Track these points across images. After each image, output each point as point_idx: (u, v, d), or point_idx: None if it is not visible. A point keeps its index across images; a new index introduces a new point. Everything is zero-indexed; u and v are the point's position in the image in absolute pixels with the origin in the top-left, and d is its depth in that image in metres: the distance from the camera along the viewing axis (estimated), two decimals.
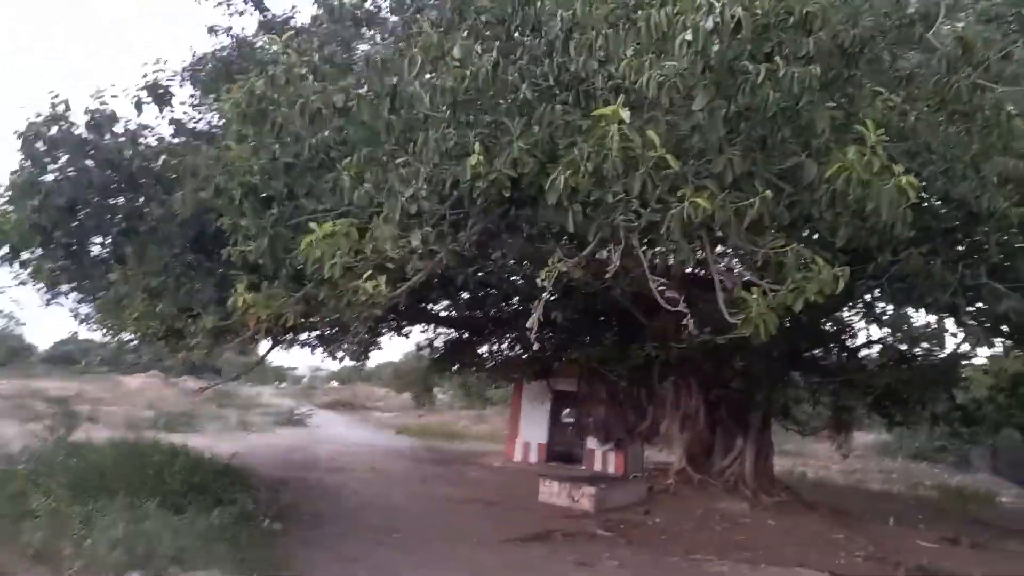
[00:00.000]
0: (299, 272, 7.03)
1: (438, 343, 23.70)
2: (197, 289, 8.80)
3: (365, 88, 5.72)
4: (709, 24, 4.03)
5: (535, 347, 14.83)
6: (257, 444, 23.65)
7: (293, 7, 11.64)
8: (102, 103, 8.58)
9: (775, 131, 4.82)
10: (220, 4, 11.42)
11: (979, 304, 8.54)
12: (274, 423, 33.96)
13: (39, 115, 8.12)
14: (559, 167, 4.72)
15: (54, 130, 7.95)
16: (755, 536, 13.31)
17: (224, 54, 10.35)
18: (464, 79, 4.88)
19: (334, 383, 70.27)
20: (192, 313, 8.98)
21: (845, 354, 17.17)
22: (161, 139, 9.04)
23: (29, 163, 8.08)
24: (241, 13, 11.55)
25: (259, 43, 10.58)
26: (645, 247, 4.82)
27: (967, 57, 5.12)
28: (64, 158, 8.15)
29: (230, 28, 11.18)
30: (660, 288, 4.77)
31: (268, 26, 11.19)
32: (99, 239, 9.18)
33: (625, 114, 4.31)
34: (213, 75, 10.05)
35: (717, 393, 13.66)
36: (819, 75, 4.47)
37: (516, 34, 5.52)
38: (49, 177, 8.21)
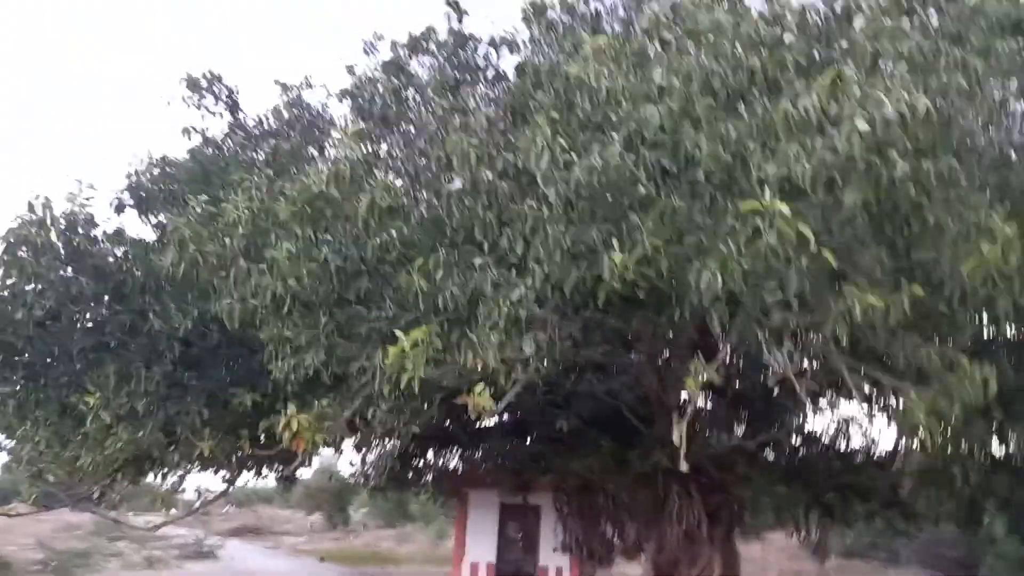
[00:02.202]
0: (340, 386, 6.30)
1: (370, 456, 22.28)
2: (182, 412, 7.72)
3: (458, 183, 5.28)
4: (891, 113, 3.92)
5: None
6: None
7: (270, 110, 11.18)
8: (81, 204, 7.66)
9: (905, 227, 4.73)
10: (192, 106, 10.78)
11: None
12: (179, 556, 30.70)
13: (20, 218, 7.08)
14: (698, 264, 4.40)
15: (38, 235, 6.93)
16: None
17: (200, 156, 9.66)
18: (593, 171, 4.55)
19: (230, 507, 64.66)
20: (174, 438, 7.85)
21: (798, 453, 17.29)
22: (143, 243, 8.11)
23: (14, 273, 6.94)
24: (213, 114, 10.94)
25: (233, 145, 10.02)
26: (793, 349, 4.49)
27: None
28: (42, 266, 7.06)
29: (206, 130, 10.54)
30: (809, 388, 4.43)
31: (240, 128, 10.64)
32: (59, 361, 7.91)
33: (784, 208, 4.08)
34: (188, 178, 9.33)
35: (718, 501, 13.24)
36: (957, 170, 4.43)
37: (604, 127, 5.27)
38: (29, 287, 7.09)
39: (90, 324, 7.41)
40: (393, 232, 5.63)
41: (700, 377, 4.54)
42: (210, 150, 10.01)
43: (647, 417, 12.14)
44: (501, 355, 4.93)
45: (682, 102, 4.98)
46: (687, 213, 4.65)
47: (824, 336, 4.43)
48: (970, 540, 26.43)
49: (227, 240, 5.94)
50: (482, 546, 22.13)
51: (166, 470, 8.59)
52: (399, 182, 5.69)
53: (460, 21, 7.67)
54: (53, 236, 6.97)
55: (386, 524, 46.97)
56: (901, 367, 4.63)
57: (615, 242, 4.45)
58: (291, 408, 5.65)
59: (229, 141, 10.14)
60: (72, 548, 27.49)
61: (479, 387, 4.83)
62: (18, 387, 7.92)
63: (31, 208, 7.05)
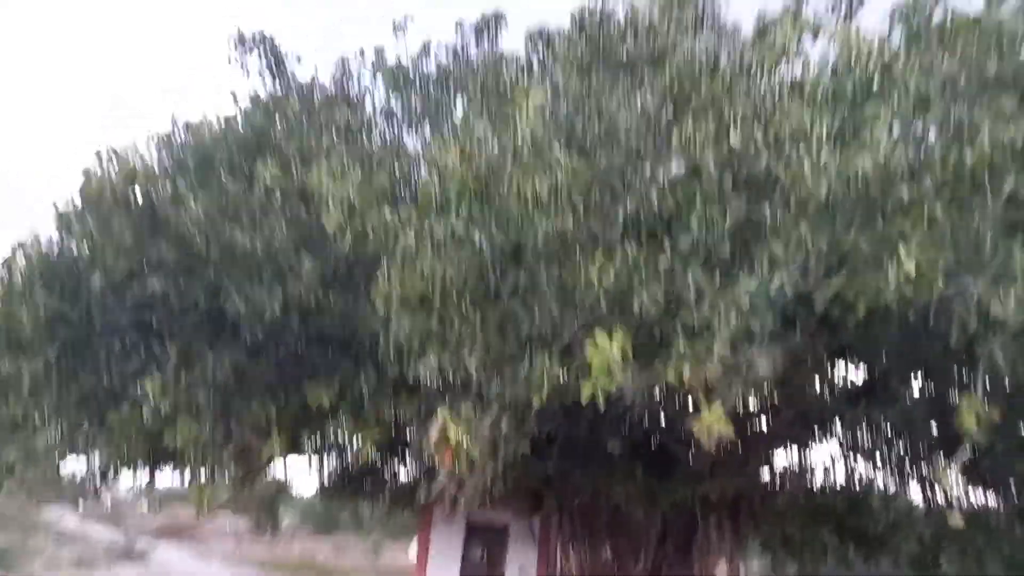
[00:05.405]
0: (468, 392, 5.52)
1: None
2: (244, 407, 6.75)
3: (677, 168, 4.60)
4: None
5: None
6: None
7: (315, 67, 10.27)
8: (142, 159, 6.57)
9: None
10: (240, 67, 9.76)
11: None
12: (107, 557, 28.54)
13: (92, 171, 5.93)
14: (980, 286, 3.89)
15: (121, 189, 5.82)
16: None
17: (253, 121, 8.63)
18: (879, 166, 3.97)
19: (146, 505, 61.18)
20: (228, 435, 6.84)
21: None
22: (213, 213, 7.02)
23: (94, 231, 5.78)
24: (262, 80, 9.93)
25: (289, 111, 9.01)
26: None
27: None
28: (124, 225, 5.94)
29: (256, 94, 9.50)
30: None
31: (294, 93, 9.69)
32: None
33: None
34: (239, 144, 8.31)
35: (745, 534, 12.83)
36: None
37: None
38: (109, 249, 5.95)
39: (154, 297, 6.35)
40: (570, 220, 4.92)
41: (972, 410, 4.01)
42: (259, 116, 8.99)
43: (687, 444, 11.63)
44: (723, 371, 4.29)
45: (918, 100, 4.50)
46: (949, 223, 4.12)
47: None
48: None
49: (386, 212, 5.09)
50: (445, 567, 21.15)
51: (199, 468, 7.51)
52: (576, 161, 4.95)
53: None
54: (132, 192, 5.92)
55: (317, 531, 45.12)
56: None
57: (902, 250, 3.89)
58: (442, 414, 4.84)
59: (281, 107, 9.13)
60: None
61: (714, 408, 4.17)
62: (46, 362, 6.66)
63: (99, 160, 5.98)
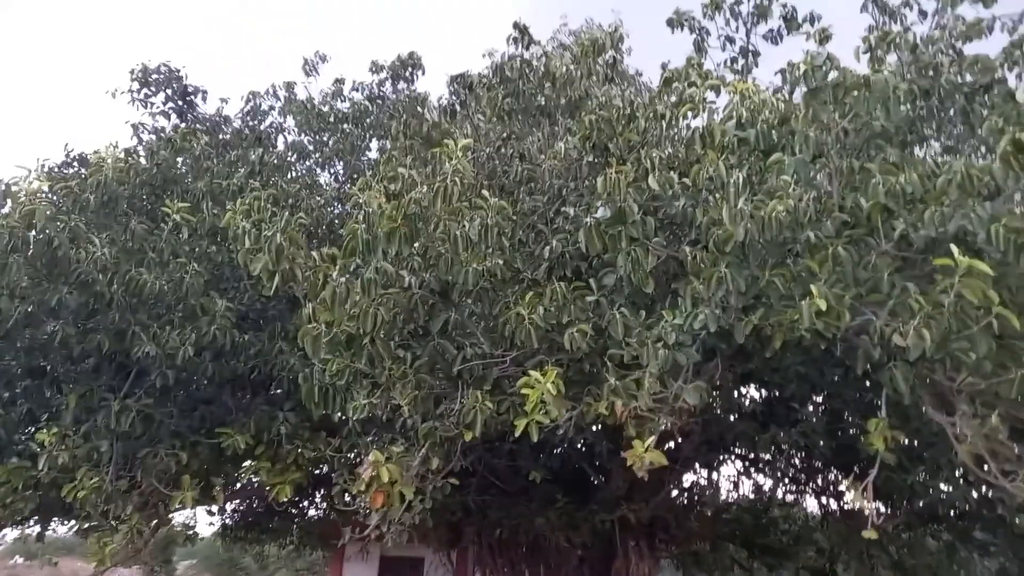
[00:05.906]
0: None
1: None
2: (151, 455, 6.39)
3: (602, 212, 4.75)
4: None
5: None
6: None
7: (222, 102, 9.95)
8: (37, 195, 6.14)
9: None
10: (136, 101, 9.36)
11: None
12: None
13: None
14: (882, 319, 4.24)
15: (18, 231, 5.38)
16: None
17: (160, 160, 8.28)
18: (789, 211, 4.27)
19: (18, 559, 56.38)
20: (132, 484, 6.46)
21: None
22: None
23: None
24: (166, 115, 9.55)
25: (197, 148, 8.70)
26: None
27: None
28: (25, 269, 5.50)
29: (163, 129, 9.13)
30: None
31: (204, 131, 9.35)
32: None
33: (983, 266, 4.02)
34: (143, 181, 7.97)
35: (663, 556, 13.09)
36: None
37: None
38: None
39: (52, 342, 5.92)
40: (500, 260, 5.00)
41: (878, 433, 4.33)
42: (165, 152, 8.63)
43: (605, 471, 11.88)
44: (653, 403, 4.46)
45: (816, 151, 4.90)
46: (851, 262, 4.47)
47: (996, 399, 4.39)
48: None
49: (314, 254, 5.00)
50: None
51: (101, 521, 7.00)
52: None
53: (527, 48, 7.19)
54: (32, 233, 5.53)
55: None
56: None
57: (813, 287, 4.19)
58: (375, 454, 4.76)
59: (188, 143, 8.82)
60: None
61: (647, 440, 4.31)
62: None
63: None
